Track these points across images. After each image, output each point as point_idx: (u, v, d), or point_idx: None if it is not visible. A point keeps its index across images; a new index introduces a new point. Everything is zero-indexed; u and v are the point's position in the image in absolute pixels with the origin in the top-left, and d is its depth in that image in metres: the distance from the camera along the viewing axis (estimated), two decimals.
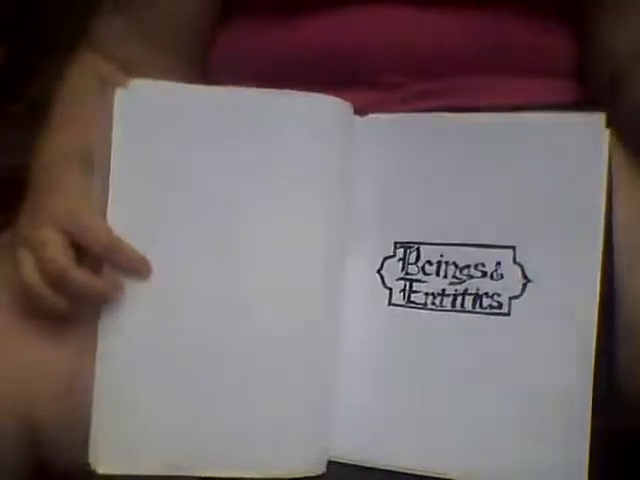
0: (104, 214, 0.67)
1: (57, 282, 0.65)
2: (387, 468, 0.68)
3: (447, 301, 0.69)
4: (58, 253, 0.65)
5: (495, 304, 0.68)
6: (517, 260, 0.68)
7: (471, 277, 0.69)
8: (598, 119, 0.66)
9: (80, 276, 0.65)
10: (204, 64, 0.83)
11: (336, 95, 0.70)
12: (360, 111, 0.71)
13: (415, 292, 0.70)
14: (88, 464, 0.66)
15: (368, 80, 0.76)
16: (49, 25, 1.32)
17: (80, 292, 0.66)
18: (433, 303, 0.70)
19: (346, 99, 0.70)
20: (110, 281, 0.67)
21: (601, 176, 0.67)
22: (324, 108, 0.69)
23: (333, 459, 0.69)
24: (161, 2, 0.82)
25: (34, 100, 1.31)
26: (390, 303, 0.71)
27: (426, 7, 0.75)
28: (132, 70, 0.79)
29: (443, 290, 0.69)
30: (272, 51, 0.78)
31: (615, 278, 0.67)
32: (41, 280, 0.66)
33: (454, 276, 0.69)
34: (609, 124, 0.66)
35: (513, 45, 0.77)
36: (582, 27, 0.81)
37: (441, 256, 0.70)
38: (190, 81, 0.73)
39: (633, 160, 0.73)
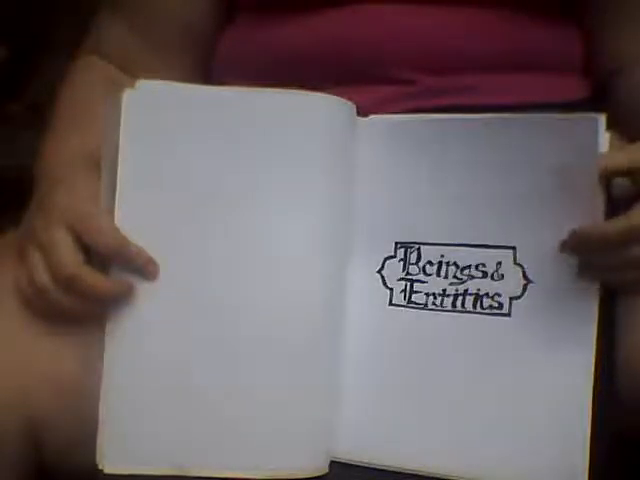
0: (112, 214, 0.67)
1: (67, 283, 0.65)
2: (389, 468, 0.68)
3: (448, 301, 0.69)
4: (69, 254, 0.65)
5: (496, 305, 0.68)
6: (518, 261, 0.68)
7: (472, 277, 0.69)
8: (597, 119, 0.66)
9: (90, 277, 0.66)
10: (207, 65, 0.84)
11: (346, 92, 0.70)
12: (364, 110, 0.71)
13: (416, 292, 0.70)
14: (94, 464, 0.66)
15: (378, 76, 0.76)
16: (49, 25, 1.31)
17: (90, 293, 0.66)
18: (434, 303, 0.70)
19: (354, 96, 0.71)
20: (119, 282, 0.67)
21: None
22: (327, 107, 0.70)
23: (335, 459, 0.69)
24: (161, 4, 0.82)
25: (34, 100, 1.31)
26: (391, 303, 0.71)
27: (439, 5, 0.75)
28: (132, 71, 0.80)
29: (444, 290, 0.70)
30: (276, 50, 0.78)
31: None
32: (51, 281, 0.66)
33: (455, 276, 0.69)
34: (609, 125, 0.67)
35: (526, 44, 0.77)
36: (586, 29, 0.82)
37: (442, 256, 0.70)
38: (192, 82, 0.73)
39: None
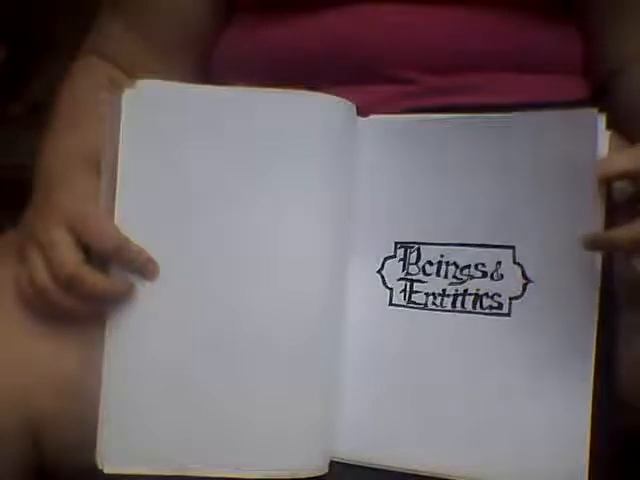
0: (111, 214, 0.67)
1: (67, 283, 0.65)
2: (389, 468, 0.68)
3: (447, 301, 0.69)
4: (68, 254, 0.66)
5: (495, 304, 0.68)
6: (517, 260, 0.68)
7: (471, 277, 0.69)
8: (594, 111, 0.65)
9: (90, 277, 0.66)
10: (207, 65, 0.84)
11: (346, 92, 0.70)
12: (364, 110, 0.71)
13: (416, 292, 0.70)
14: (94, 464, 0.66)
15: (378, 76, 0.76)
16: (49, 25, 1.32)
17: (90, 292, 0.66)
18: (434, 303, 0.70)
19: (354, 96, 0.71)
20: (119, 281, 0.67)
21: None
22: (327, 107, 0.70)
23: (335, 459, 0.69)
24: (161, 4, 0.83)
25: (34, 100, 1.31)
26: (391, 303, 0.71)
27: (439, 4, 0.76)
28: (132, 71, 0.80)
29: (444, 290, 0.70)
30: (276, 50, 0.78)
31: (615, 278, 0.68)
32: (51, 281, 0.66)
33: (454, 276, 0.69)
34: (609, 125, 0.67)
35: (526, 44, 0.77)
36: (586, 28, 0.82)
37: (441, 256, 0.70)
38: (192, 82, 0.73)
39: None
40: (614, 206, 0.66)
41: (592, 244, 0.64)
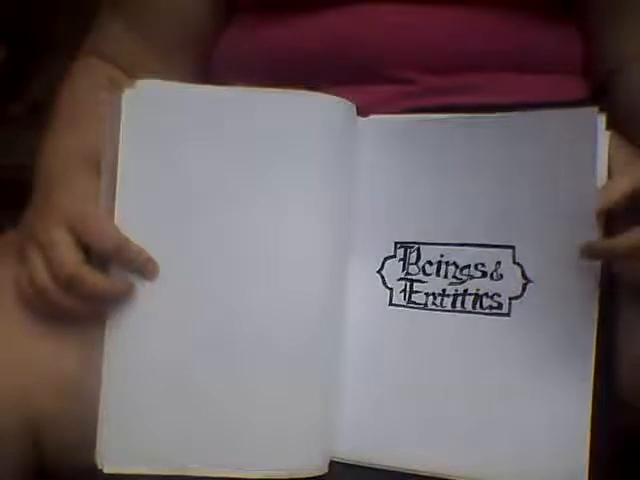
0: (111, 214, 0.67)
1: (67, 282, 0.65)
2: (389, 468, 0.68)
3: (447, 301, 0.70)
4: (68, 254, 0.66)
5: (495, 304, 0.68)
6: (517, 260, 0.68)
7: (471, 277, 0.69)
8: (594, 109, 0.66)
9: (90, 276, 0.66)
10: (207, 65, 0.84)
11: (346, 92, 0.70)
12: (364, 110, 0.71)
13: (416, 292, 0.70)
14: (94, 464, 0.66)
15: (378, 76, 0.76)
16: (49, 25, 1.32)
17: (90, 292, 0.66)
18: (434, 303, 0.70)
19: (354, 96, 0.71)
20: (119, 281, 0.67)
21: (600, 176, 0.67)
22: (327, 107, 0.70)
23: (335, 459, 0.69)
24: (161, 4, 0.83)
25: (34, 100, 1.31)
26: (391, 303, 0.71)
27: (439, 4, 0.76)
28: (132, 71, 0.80)
29: (443, 290, 0.70)
30: (276, 50, 0.78)
31: (615, 277, 0.68)
32: (51, 281, 0.66)
33: (454, 276, 0.69)
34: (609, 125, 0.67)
35: (526, 44, 0.77)
36: (586, 28, 0.82)
37: (441, 256, 0.70)
38: (192, 82, 0.73)
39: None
40: (612, 212, 0.66)
41: (590, 253, 0.64)
